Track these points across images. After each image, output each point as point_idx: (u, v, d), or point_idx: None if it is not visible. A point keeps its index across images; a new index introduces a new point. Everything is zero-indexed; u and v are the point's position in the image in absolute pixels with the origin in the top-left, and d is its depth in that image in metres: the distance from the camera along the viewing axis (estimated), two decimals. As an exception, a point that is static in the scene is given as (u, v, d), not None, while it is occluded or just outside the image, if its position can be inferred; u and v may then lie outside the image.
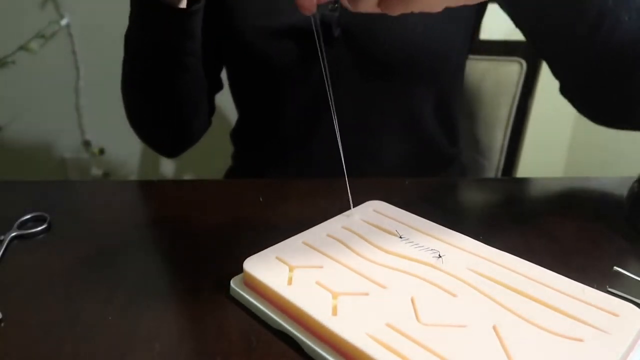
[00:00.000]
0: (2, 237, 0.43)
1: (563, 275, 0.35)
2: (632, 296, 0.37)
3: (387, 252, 0.38)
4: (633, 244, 0.45)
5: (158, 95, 0.60)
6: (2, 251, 0.42)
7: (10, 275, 0.39)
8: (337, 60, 0.61)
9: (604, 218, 0.49)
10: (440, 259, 0.37)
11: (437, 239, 0.40)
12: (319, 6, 0.53)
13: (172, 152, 0.69)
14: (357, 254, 0.38)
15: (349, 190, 0.43)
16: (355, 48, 0.60)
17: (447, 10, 0.60)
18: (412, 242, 0.39)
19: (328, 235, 0.41)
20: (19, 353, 0.31)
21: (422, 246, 0.39)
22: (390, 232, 0.41)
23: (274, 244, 0.39)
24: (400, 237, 0.40)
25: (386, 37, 0.59)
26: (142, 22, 0.54)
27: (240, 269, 0.39)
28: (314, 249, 0.39)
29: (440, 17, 0.60)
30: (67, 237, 0.45)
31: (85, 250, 0.43)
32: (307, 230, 0.41)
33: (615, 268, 0.40)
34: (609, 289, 0.37)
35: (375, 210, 0.45)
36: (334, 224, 0.43)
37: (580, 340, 0.29)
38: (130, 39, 0.58)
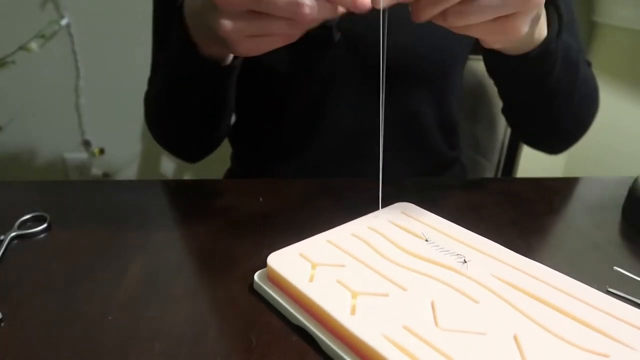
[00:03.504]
0: (2, 237, 0.43)
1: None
2: (632, 296, 0.37)
3: (411, 254, 0.38)
4: (633, 244, 0.45)
5: (196, 120, 0.59)
6: (2, 251, 0.42)
7: (10, 275, 0.39)
8: (336, 64, 0.61)
9: (603, 218, 0.49)
10: (465, 264, 0.36)
11: (464, 244, 0.39)
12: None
13: (196, 159, 0.69)
14: (381, 254, 0.38)
15: (380, 192, 0.43)
16: (355, 53, 0.60)
17: None
18: (438, 245, 0.39)
19: (353, 235, 0.41)
20: (19, 353, 0.31)
21: (448, 250, 0.38)
22: (416, 235, 0.41)
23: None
24: (427, 240, 0.40)
25: (389, 44, 0.59)
26: (190, 74, 0.53)
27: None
28: (338, 247, 0.39)
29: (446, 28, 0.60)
30: (67, 237, 0.45)
31: (85, 250, 0.43)
32: (332, 229, 0.41)
33: (615, 268, 0.40)
34: (609, 289, 0.37)
35: (403, 212, 0.45)
36: (359, 224, 0.42)
37: (606, 356, 0.28)
38: (172, 79, 0.56)
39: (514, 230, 0.46)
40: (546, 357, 0.28)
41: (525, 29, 0.39)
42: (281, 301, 0.35)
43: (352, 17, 0.58)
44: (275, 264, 0.36)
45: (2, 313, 0.34)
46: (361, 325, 0.30)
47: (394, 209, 0.45)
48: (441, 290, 0.34)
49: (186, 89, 0.55)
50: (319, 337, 0.32)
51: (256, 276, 0.37)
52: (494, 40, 0.42)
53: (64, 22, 1.36)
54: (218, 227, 0.46)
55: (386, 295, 0.33)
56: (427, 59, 0.62)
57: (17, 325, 0.34)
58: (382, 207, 0.45)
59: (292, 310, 0.34)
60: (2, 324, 0.34)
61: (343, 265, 0.36)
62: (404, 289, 0.34)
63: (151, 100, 0.64)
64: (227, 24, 0.36)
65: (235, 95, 0.73)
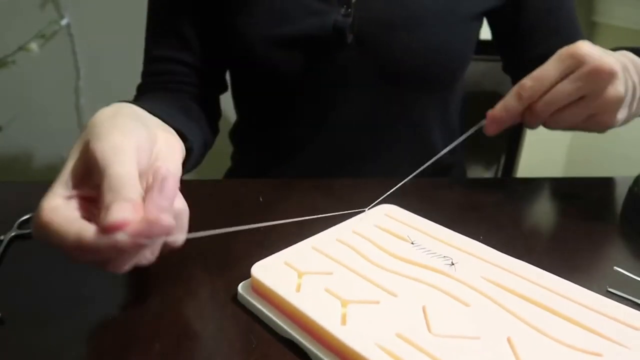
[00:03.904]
0: (2, 237, 0.43)
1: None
2: (632, 296, 0.37)
3: (398, 258, 0.38)
4: (633, 244, 0.45)
5: None
6: (2, 251, 0.42)
7: (10, 275, 0.39)
8: (347, 65, 0.61)
9: (603, 218, 0.49)
10: (453, 266, 0.36)
11: (451, 245, 0.39)
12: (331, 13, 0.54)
13: None
14: (368, 260, 0.37)
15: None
16: (367, 55, 0.60)
17: (461, 25, 0.62)
18: (424, 248, 0.39)
19: (338, 240, 0.40)
20: (19, 353, 0.31)
21: (435, 253, 0.38)
22: (402, 238, 0.40)
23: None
24: (412, 243, 0.39)
25: (398, 46, 0.59)
26: None
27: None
28: (324, 254, 0.38)
29: (454, 32, 0.60)
30: (67, 237, 0.45)
31: (85, 250, 0.43)
32: (317, 235, 0.40)
33: (615, 268, 0.40)
34: (609, 289, 0.37)
35: (387, 214, 0.44)
36: (344, 229, 0.42)
37: (599, 355, 0.28)
38: None
39: (514, 230, 0.46)
40: (541, 359, 0.28)
41: (618, 116, 0.45)
42: (268, 313, 0.33)
43: (364, 20, 0.58)
44: (260, 274, 0.35)
45: (2, 313, 0.34)
46: (353, 335, 0.29)
47: (377, 212, 0.45)
48: (431, 295, 0.33)
49: None
50: (309, 349, 0.31)
51: (240, 287, 0.36)
52: (595, 130, 0.47)
53: (64, 22, 1.36)
54: (218, 228, 0.46)
55: (377, 302, 0.33)
56: (436, 63, 0.62)
57: (17, 325, 0.34)
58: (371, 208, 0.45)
59: (279, 322, 0.33)
60: (2, 324, 0.34)
61: (330, 273, 0.35)
62: (394, 295, 0.33)
63: None
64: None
65: (239, 95, 0.73)
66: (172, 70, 0.64)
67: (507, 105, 0.46)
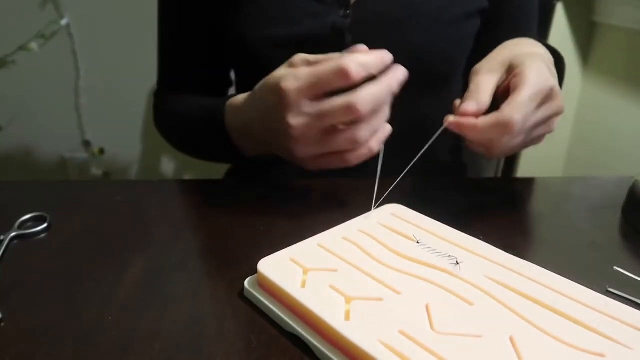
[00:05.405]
0: (2, 237, 0.43)
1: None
2: (632, 296, 0.37)
3: (403, 257, 0.38)
4: (633, 244, 0.45)
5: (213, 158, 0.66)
6: (2, 251, 0.42)
7: (10, 275, 0.39)
8: None
9: (603, 218, 0.49)
10: (458, 265, 0.36)
11: (456, 245, 0.39)
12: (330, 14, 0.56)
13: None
14: (373, 258, 0.38)
15: (375, 193, 0.44)
16: None
17: (459, 24, 0.62)
18: (429, 247, 0.39)
19: (343, 238, 0.40)
20: (19, 353, 0.31)
21: (440, 252, 0.38)
22: (407, 237, 0.40)
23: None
24: (418, 242, 0.40)
25: (397, 46, 0.59)
26: (217, 151, 0.59)
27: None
28: (329, 251, 0.38)
29: (452, 30, 0.60)
30: (67, 237, 0.45)
31: (85, 250, 0.43)
32: (323, 233, 0.41)
33: (615, 268, 0.40)
34: (609, 289, 0.37)
35: (393, 214, 0.44)
36: (350, 227, 0.42)
37: (602, 355, 0.28)
38: (195, 143, 0.63)
39: (514, 230, 0.46)
40: (543, 358, 0.28)
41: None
42: (273, 308, 0.34)
43: (364, 20, 0.58)
44: (266, 270, 0.35)
45: (2, 313, 0.34)
46: (356, 331, 0.29)
47: (383, 211, 0.45)
48: (435, 293, 0.34)
49: (209, 153, 0.63)
50: (313, 344, 0.31)
51: (246, 283, 0.37)
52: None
53: (64, 22, 1.36)
54: (218, 227, 0.46)
55: (380, 299, 0.33)
56: (438, 62, 0.62)
57: (17, 325, 0.34)
58: (377, 208, 0.45)
59: (284, 317, 0.33)
60: (2, 324, 0.34)
61: (335, 270, 0.36)
62: (398, 293, 0.33)
63: (166, 132, 0.69)
64: (303, 152, 0.43)
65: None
66: (194, 76, 0.68)
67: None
